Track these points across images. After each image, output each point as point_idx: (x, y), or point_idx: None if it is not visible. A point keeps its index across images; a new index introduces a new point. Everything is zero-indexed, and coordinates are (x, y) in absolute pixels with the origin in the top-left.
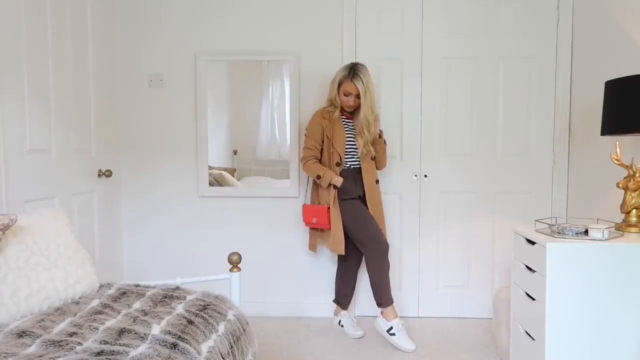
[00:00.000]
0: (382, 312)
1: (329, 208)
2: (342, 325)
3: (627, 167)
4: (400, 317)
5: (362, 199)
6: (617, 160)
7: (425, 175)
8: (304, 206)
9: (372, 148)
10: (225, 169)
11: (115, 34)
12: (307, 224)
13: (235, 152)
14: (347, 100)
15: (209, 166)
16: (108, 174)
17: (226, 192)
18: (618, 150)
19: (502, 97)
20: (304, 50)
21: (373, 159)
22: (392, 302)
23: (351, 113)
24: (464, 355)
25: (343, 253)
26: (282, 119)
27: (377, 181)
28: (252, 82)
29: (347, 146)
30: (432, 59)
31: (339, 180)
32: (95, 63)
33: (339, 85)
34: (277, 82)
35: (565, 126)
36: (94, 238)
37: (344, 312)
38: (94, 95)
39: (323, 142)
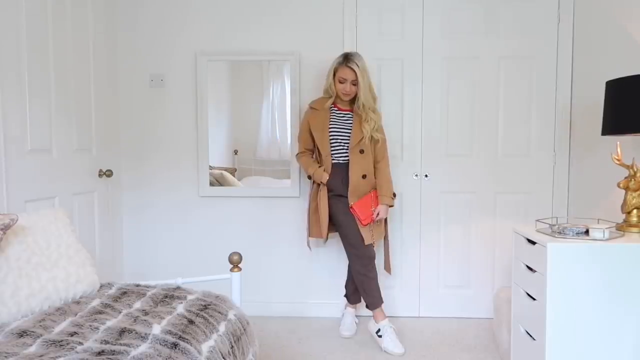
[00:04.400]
0: (373, 314)
1: (369, 195)
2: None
3: (627, 167)
4: (400, 317)
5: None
6: (618, 160)
7: (426, 175)
8: (354, 205)
9: (378, 135)
10: (225, 169)
11: (115, 34)
12: (367, 221)
13: (235, 152)
14: (343, 87)
15: (210, 166)
16: (109, 174)
17: (227, 192)
18: (619, 150)
19: (503, 97)
20: (304, 50)
21: (362, 152)
22: (380, 304)
23: (350, 104)
24: (464, 355)
25: (323, 237)
26: (282, 118)
27: (365, 176)
28: (253, 82)
29: (333, 139)
30: (432, 59)
31: (324, 177)
32: (95, 63)
33: (335, 73)
34: (278, 82)
35: (565, 126)
36: (95, 238)
37: (350, 308)
38: (94, 95)
39: (312, 134)
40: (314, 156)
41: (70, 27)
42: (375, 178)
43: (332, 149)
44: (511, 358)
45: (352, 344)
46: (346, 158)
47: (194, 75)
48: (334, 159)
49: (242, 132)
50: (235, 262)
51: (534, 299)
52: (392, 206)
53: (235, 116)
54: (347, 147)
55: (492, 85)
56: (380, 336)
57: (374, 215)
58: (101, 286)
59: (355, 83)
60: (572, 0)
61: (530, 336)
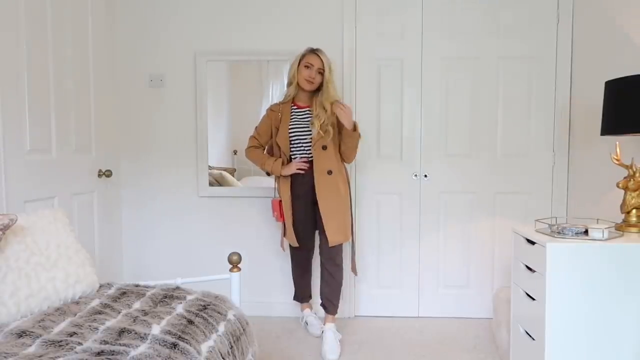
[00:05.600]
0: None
1: (280, 200)
2: (307, 324)
3: (627, 167)
4: (400, 317)
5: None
6: (617, 160)
7: (425, 176)
8: (272, 201)
9: (331, 131)
10: (225, 169)
11: (115, 34)
12: (276, 219)
13: (235, 152)
14: (308, 73)
15: (209, 166)
16: (108, 174)
17: (226, 192)
18: (618, 150)
19: (502, 97)
20: (303, 50)
21: (325, 148)
22: (334, 314)
23: (309, 99)
24: (464, 355)
25: (296, 244)
26: None
27: (331, 172)
28: (252, 82)
29: (293, 137)
30: (432, 59)
31: (285, 170)
32: (95, 63)
33: (300, 60)
34: (277, 82)
35: (565, 126)
36: (94, 238)
37: (307, 310)
38: (94, 95)
39: (272, 136)
40: (265, 152)
41: (69, 27)
42: (344, 165)
43: (294, 148)
44: (511, 358)
45: (351, 344)
46: (310, 157)
47: (194, 75)
48: (299, 157)
49: (242, 132)
50: (234, 262)
51: (533, 299)
52: (355, 131)
53: (234, 116)
54: (308, 145)
55: (492, 85)
56: (306, 323)
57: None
58: (100, 286)
59: (321, 72)
60: (572, 1)
61: (530, 336)
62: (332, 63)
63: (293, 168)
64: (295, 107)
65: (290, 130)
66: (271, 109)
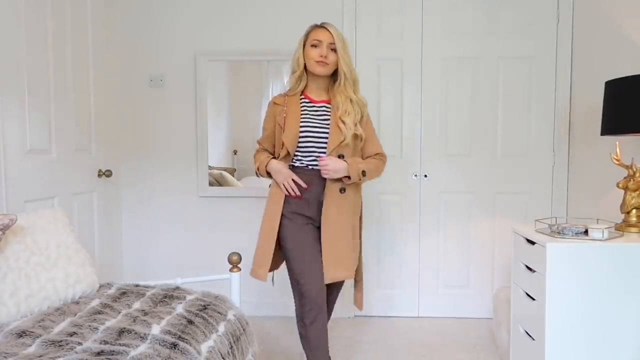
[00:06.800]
0: None
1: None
2: None
3: (627, 167)
4: (400, 317)
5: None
6: (617, 160)
7: (425, 176)
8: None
9: (362, 134)
10: (225, 169)
11: (115, 34)
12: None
13: (235, 152)
14: (317, 53)
15: (209, 166)
16: (108, 174)
17: (226, 192)
18: (618, 150)
19: (502, 97)
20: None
21: (342, 157)
22: None
23: (325, 90)
24: (463, 355)
25: (264, 279)
26: None
27: (344, 190)
28: (252, 82)
29: (304, 138)
30: (432, 59)
31: (278, 170)
32: (95, 63)
33: (305, 40)
34: (277, 82)
35: (565, 126)
36: (94, 238)
37: None
38: (94, 95)
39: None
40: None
41: (69, 27)
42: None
43: (302, 152)
44: (510, 358)
45: (351, 345)
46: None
47: (194, 75)
48: (303, 164)
49: (242, 132)
50: (234, 262)
51: (533, 299)
52: (349, 178)
53: (234, 116)
54: (322, 151)
55: (492, 85)
56: None
57: (321, 161)
58: (100, 286)
59: (333, 48)
60: (571, 1)
61: (530, 336)
62: (345, 39)
63: (284, 173)
64: (307, 101)
65: (302, 128)
66: (274, 102)
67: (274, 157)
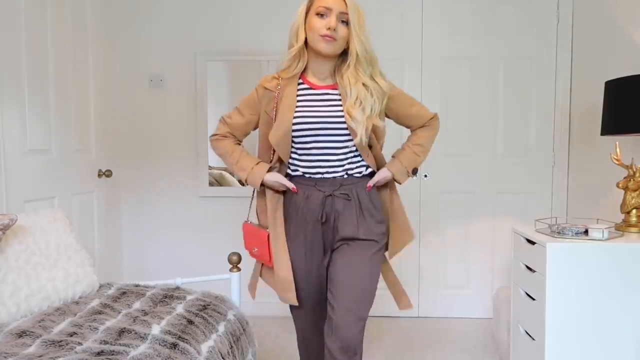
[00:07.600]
0: None
1: (269, 234)
2: None
3: (627, 167)
4: (400, 317)
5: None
6: (617, 160)
7: (425, 175)
8: (244, 226)
9: (384, 128)
10: (225, 169)
11: (115, 34)
12: (248, 252)
13: None
14: (323, 24)
15: (209, 166)
16: (108, 174)
17: (226, 192)
18: (618, 150)
19: (502, 97)
20: None
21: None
22: None
23: (331, 74)
24: (463, 355)
25: (296, 303)
26: None
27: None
28: (252, 82)
29: (298, 132)
30: (432, 59)
31: (273, 178)
32: (95, 63)
33: (309, 7)
34: None
35: (565, 126)
36: (94, 238)
37: None
38: (93, 95)
39: (258, 125)
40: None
41: (69, 27)
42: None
43: (298, 151)
44: (510, 358)
45: None
46: (330, 171)
47: (194, 75)
48: (301, 170)
49: None
50: (234, 262)
51: (533, 299)
52: (398, 181)
53: None
54: (327, 157)
55: (492, 85)
56: None
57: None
58: (100, 286)
59: (345, 20)
60: (571, 1)
61: (530, 336)
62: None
63: (282, 181)
64: (305, 86)
65: (295, 121)
66: (264, 87)
67: (262, 162)
